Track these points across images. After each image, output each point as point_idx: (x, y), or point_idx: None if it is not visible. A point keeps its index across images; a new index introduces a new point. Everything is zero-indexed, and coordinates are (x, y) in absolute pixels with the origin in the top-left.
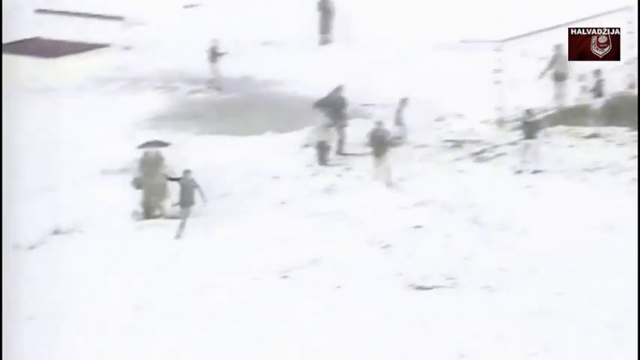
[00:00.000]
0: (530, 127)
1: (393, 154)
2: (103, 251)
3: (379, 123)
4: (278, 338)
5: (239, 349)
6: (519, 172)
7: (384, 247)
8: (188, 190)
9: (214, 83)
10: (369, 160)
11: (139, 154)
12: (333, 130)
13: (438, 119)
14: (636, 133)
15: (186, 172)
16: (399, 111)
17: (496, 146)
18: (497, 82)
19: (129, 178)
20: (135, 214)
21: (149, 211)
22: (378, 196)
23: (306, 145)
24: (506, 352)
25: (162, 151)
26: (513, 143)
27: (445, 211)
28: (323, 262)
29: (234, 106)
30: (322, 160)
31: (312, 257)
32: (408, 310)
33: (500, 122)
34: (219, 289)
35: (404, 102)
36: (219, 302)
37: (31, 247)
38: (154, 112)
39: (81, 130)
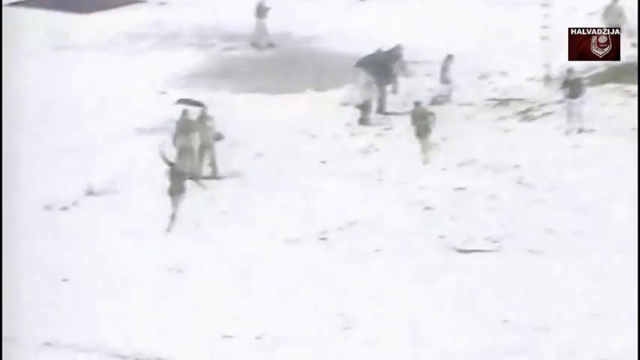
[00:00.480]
0: (572, 85)
1: (432, 138)
2: (137, 212)
3: (417, 103)
4: (315, 302)
5: (275, 313)
6: (568, 132)
7: (425, 209)
8: (179, 177)
9: (261, 39)
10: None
11: (177, 113)
12: (374, 88)
13: (483, 77)
14: None
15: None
16: (444, 68)
17: (542, 105)
18: (544, 39)
19: (163, 137)
20: None
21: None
22: (419, 156)
23: (346, 104)
24: (554, 317)
25: (206, 110)
26: (560, 101)
27: (489, 172)
28: (362, 224)
29: (271, 63)
30: (364, 119)
31: (351, 219)
32: (449, 274)
33: (547, 80)
34: (256, 252)
35: (449, 59)
36: (255, 265)
37: (64, 209)
38: (189, 70)
39: (113, 88)
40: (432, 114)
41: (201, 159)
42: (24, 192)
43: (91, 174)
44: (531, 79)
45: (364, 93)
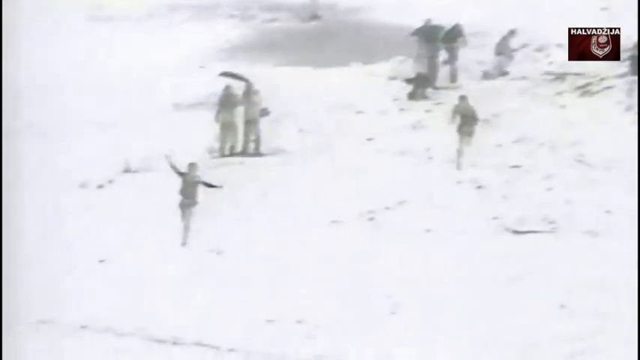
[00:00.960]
0: (635, 61)
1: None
2: (176, 191)
3: (463, 97)
4: (361, 286)
5: (318, 297)
6: (629, 108)
7: (477, 188)
8: (191, 187)
9: (311, 11)
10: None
11: (217, 88)
12: (425, 62)
13: (539, 49)
14: None
15: (192, 165)
16: (500, 43)
17: (602, 79)
18: (604, 9)
19: (202, 112)
20: (210, 150)
21: (225, 148)
22: (454, 159)
23: (394, 78)
24: (612, 302)
25: (252, 85)
26: (622, 76)
27: (545, 150)
28: (411, 203)
29: (315, 35)
30: (416, 94)
31: (399, 198)
32: (503, 257)
33: None
34: (299, 233)
35: (512, 33)
36: (299, 247)
37: (100, 187)
38: (230, 42)
39: (150, 61)
40: (474, 114)
41: (246, 135)
42: (58, 170)
43: (128, 151)
44: None
45: (416, 66)
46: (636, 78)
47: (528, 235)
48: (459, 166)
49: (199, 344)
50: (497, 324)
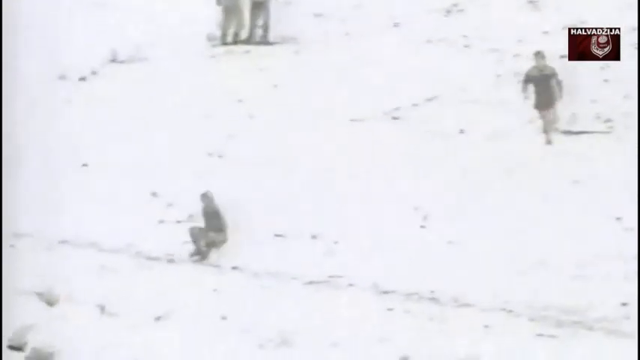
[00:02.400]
0: None
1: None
2: (171, 83)
3: (540, 55)
4: (386, 196)
5: (335, 208)
6: None
7: (521, 81)
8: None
9: None
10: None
11: None
12: None
13: None
14: None
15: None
16: None
17: None
18: None
19: None
20: (211, 38)
21: (228, 35)
22: (515, 16)
23: None
24: None
25: None
26: None
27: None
28: (443, 99)
29: None
30: None
31: (429, 94)
32: (549, 160)
33: None
34: (315, 133)
35: None
36: (314, 149)
37: (82, 79)
38: None
39: None
40: (554, 75)
41: (252, 20)
42: (34, 59)
43: (115, 37)
44: None
45: None
46: None
47: (580, 135)
48: (548, 142)
49: (198, 262)
50: (543, 239)
